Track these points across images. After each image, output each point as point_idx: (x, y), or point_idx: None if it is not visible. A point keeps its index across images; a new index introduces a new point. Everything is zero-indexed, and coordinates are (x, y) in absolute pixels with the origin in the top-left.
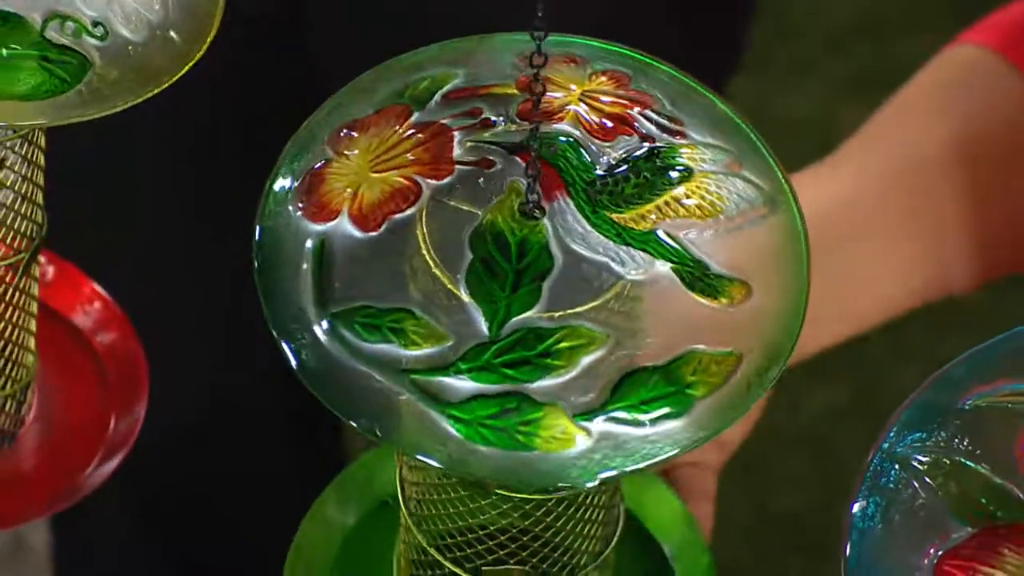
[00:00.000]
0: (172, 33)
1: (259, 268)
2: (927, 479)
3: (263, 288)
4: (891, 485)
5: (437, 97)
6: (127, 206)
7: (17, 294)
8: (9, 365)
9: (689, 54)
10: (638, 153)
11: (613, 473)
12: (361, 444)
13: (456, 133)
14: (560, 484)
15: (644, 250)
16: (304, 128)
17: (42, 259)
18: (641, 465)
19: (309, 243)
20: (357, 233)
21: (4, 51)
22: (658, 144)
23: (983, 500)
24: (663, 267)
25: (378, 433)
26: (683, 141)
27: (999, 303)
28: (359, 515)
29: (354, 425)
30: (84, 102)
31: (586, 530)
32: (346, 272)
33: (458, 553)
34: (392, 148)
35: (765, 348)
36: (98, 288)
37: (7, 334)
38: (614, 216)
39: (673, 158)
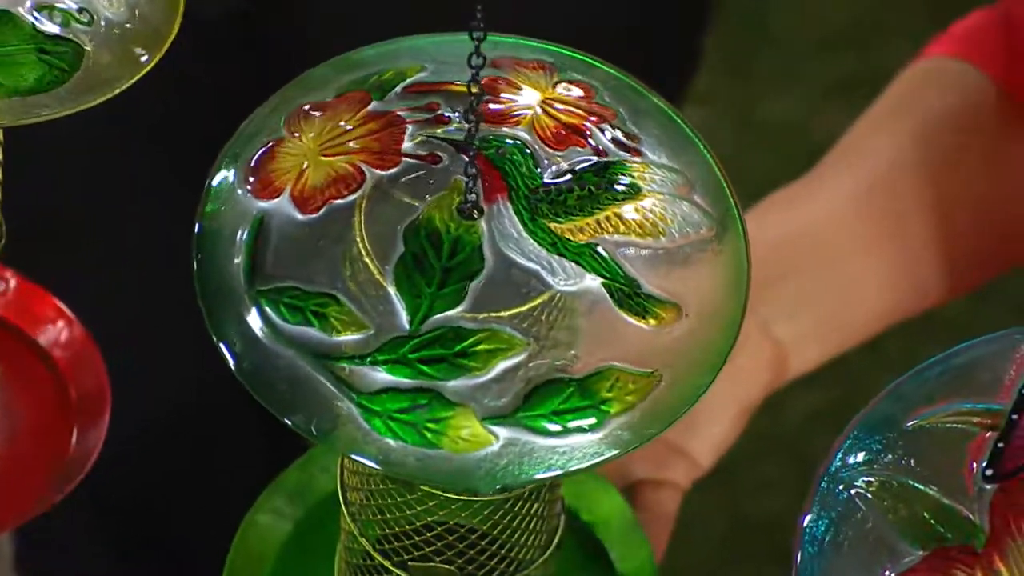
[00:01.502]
0: (146, 7)
1: (199, 242)
2: (875, 501)
3: (199, 270)
4: (839, 508)
5: (398, 88)
6: (83, 219)
7: None
8: None
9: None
10: (587, 165)
11: (516, 480)
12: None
13: (409, 126)
14: (464, 486)
15: (577, 262)
16: (265, 105)
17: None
18: (546, 475)
19: (249, 219)
20: (296, 214)
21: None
22: (610, 159)
23: (932, 522)
24: (594, 281)
25: (285, 412)
26: (637, 159)
27: (977, 310)
28: (296, 520)
29: (266, 404)
30: (88, 88)
31: (528, 525)
32: (279, 251)
33: (402, 556)
34: (344, 134)
35: (687, 373)
36: (59, 303)
37: None
38: (552, 225)
39: (622, 174)
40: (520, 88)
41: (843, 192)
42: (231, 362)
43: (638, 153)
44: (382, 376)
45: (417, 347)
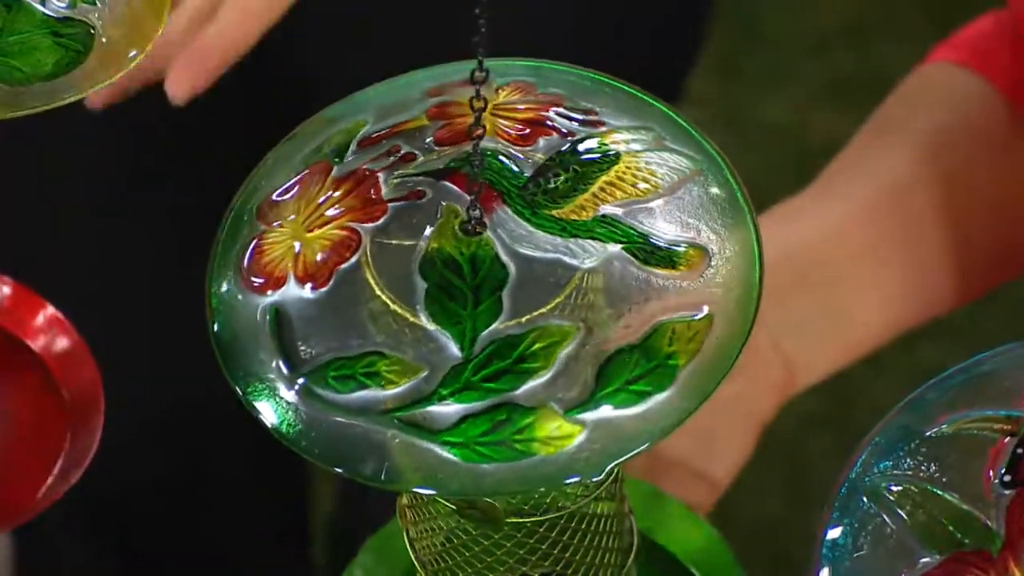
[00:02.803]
0: None
1: (222, 354)
2: (896, 508)
3: (231, 374)
4: (860, 513)
5: (353, 146)
6: (73, 221)
7: None
8: None
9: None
10: (562, 148)
11: (617, 458)
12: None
13: (380, 174)
14: (569, 481)
15: (592, 238)
16: (229, 213)
17: (2, 281)
18: (643, 447)
19: (263, 315)
20: (308, 293)
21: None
22: (579, 136)
23: (950, 527)
24: (615, 249)
25: (382, 478)
26: (602, 129)
27: (975, 315)
28: None
29: (355, 477)
30: (104, 65)
31: (601, 543)
32: (306, 332)
33: None
34: (321, 205)
35: (733, 307)
36: (50, 307)
37: None
38: (554, 213)
39: (597, 146)
40: (465, 105)
41: (847, 205)
42: (306, 456)
43: (601, 124)
44: (454, 408)
45: (476, 368)
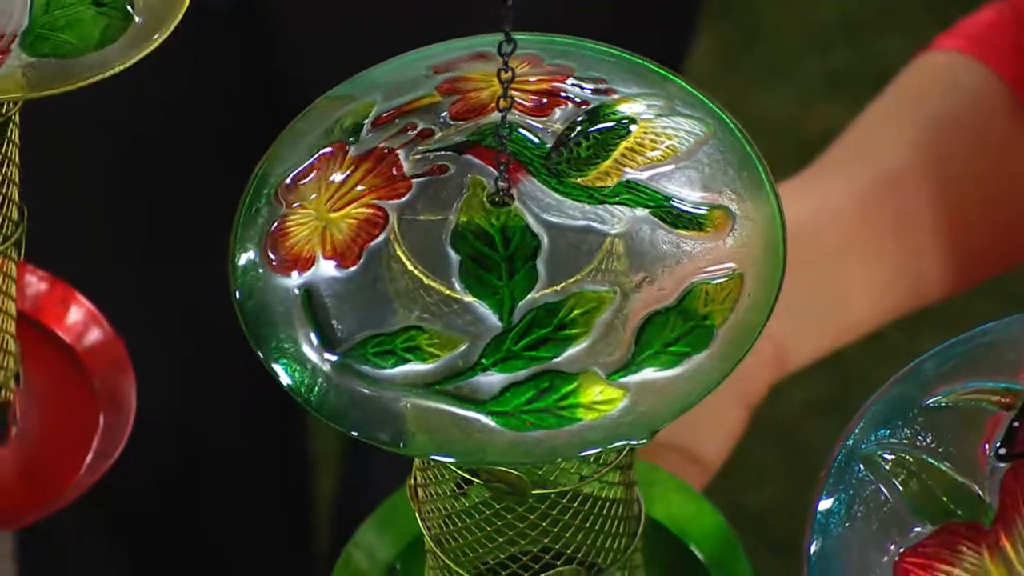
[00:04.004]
0: None
1: (253, 338)
2: (890, 476)
3: (264, 355)
4: (855, 482)
5: (367, 126)
6: (99, 212)
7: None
8: None
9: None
10: (580, 117)
11: (664, 420)
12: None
13: (400, 151)
14: (617, 445)
15: (619, 203)
16: (244, 198)
17: (34, 273)
18: (687, 407)
19: (294, 297)
20: (338, 273)
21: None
22: (593, 104)
23: (944, 498)
24: (642, 213)
25: (429, 451)
26: (615, 96)
27: (973, 301)
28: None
29: (401, 452)
30: (149, 29)
31: (610, 526)
32: (340, 311)
33: None
34: (343, 184)
35: (762, 266)
36: (82, 298)
37: None
38: (579, 180)
39: (613, 113)
40: (475, 80)
41: (845, 188)
42: (351, 433)
43: (613, 91)
44: (497, 378)
45: (517, 337)
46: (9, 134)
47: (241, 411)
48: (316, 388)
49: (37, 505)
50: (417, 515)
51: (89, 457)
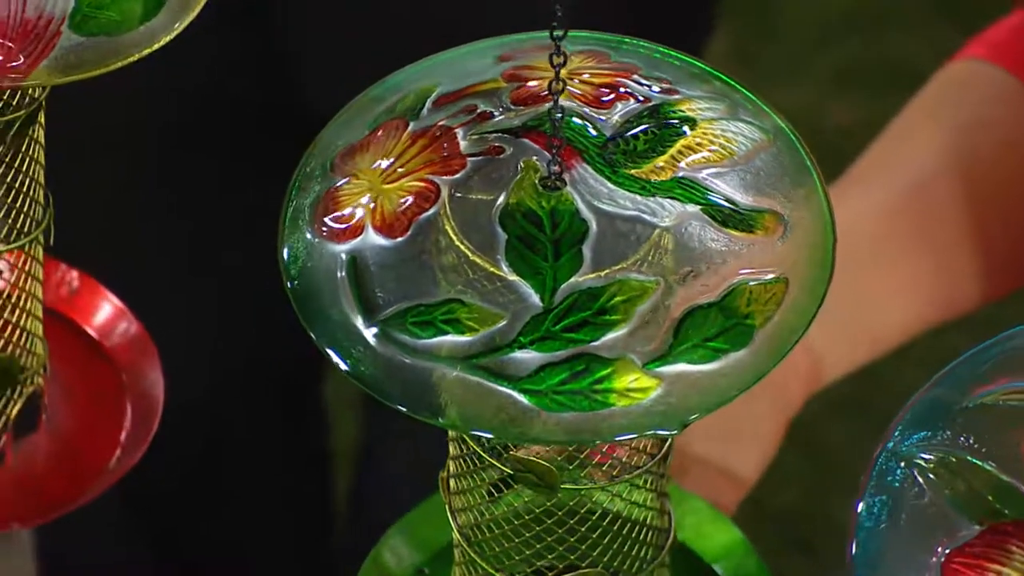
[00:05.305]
0: None
1: (297, 301)
2: (933, 477)
3: (307, 320)
4: (897, 484)
5: (428, 104)
6: (126, 206)
7: (25, 278)
8: (19, 352)
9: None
10: (641, 112)
11: (694, 414)
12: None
13: (459, 130)
14: (647, 433)
15: (671, 197)
16: (302, 166)
17: (59, 267)
18: (720, 403)
19: (340, 263)
20: (385, 242)
21: None
22: (656, 102)
23: (990, 497)
24: (693, 209)
25: (458, 422)
26: (678, 97)
27: (1001, 305)
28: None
29: (430, 420)
30: (185, 3)
31: (638, 534)
32: (383, 280)
33: None
34: (399, 158)
35: (808, 274)
36: (110, 293)
37: (16, 318)
38: (633, 172)
39: (674, 112)
40: (540, 69)
41: (875, 201)
42: (382, 399)
43: (676, 92)
44: (533, 356)
45: (557, 318)
46: (33, 133)
47: (260, 407)
48: (353, 353)
49: (68, 498)
50: (447, 508)
51: (118, 451)
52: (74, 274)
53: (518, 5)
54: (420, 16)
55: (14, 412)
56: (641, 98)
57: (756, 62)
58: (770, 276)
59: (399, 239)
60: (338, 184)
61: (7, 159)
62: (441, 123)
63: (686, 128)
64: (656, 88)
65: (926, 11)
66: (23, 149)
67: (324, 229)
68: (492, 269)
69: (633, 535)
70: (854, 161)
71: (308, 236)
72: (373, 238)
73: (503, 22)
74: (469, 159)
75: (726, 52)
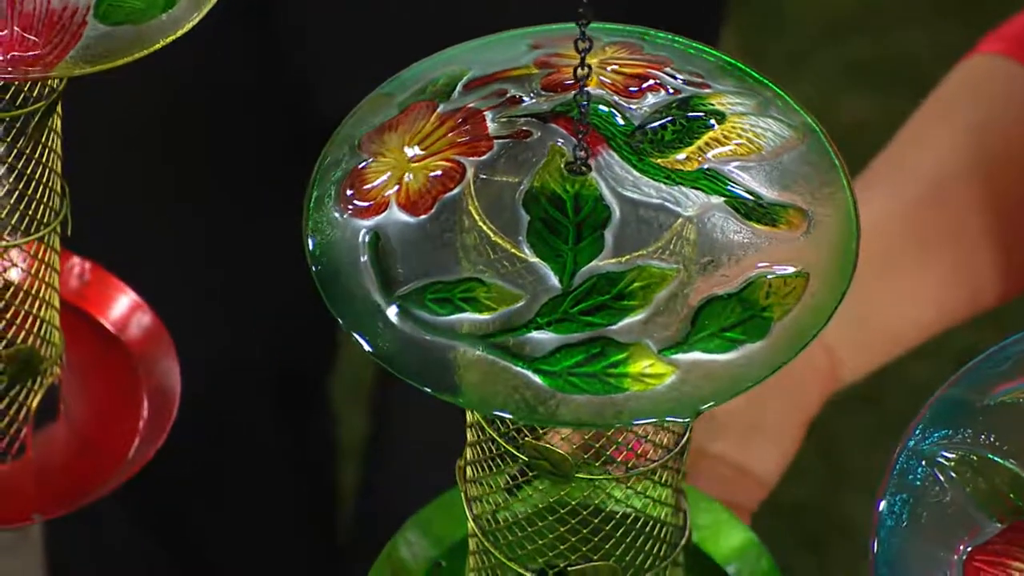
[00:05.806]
0: None
1: (319, 275)
2: (954, 475)
3: (327, 293)
4: (918, 482)
5: (459, 88)
6: (141, 199)
7: (43, 268)
8: (39, 342)
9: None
10: (670, 103)
11: (709, 404)
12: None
13: (487, 113)
14: (662, 420)
15: (696, 188)
16: (331, 143)
17: (77, 260)
18: (733, 394)
19: (363, 238)
20: (409, 219)
21: None
22: (686, 95)
23: (1011, 495)
24: (717, 201)
25: (472, 400)
26: (708, 91)
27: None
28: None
29: (444, 397)
30: None
31: (653, 530)
32: (405, 256)
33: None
34: (427, 137)
35: (828, 271)
36: (125, 286)
37: (35, 309)
38: (659, 161)
39: (704, 105)
40: (573, 57)
41: (894, 199)
42: (398, 375)
43: (707, 86)
44: (550, 337)
45: (576, 301)
46: (51, 123)
47: (274, 398)
48: (375, 331)
49: (89, 489)
50: (463, 496)
51: (136, 442)
52: (88, 267)
53: (522, 6)
54: (444, 14)
55: (35, 403)
56: (672, 90)
57: (763, 58)
58: (791, 270)
59: (423, 217)
60: (365, 161)
61: (27, 150)
62: (470, 105)
63: (714, 121)
64: (687, 81)
65: (933, 7)
66: (43, 139)
67: (350, 206)
68: (513, 250)
69: (647, 530)
70: (862, 156)
71: (335, 214)
72: (397, 215)
73: (509, 24)
74: (496, 141)
75: (732, 47)
